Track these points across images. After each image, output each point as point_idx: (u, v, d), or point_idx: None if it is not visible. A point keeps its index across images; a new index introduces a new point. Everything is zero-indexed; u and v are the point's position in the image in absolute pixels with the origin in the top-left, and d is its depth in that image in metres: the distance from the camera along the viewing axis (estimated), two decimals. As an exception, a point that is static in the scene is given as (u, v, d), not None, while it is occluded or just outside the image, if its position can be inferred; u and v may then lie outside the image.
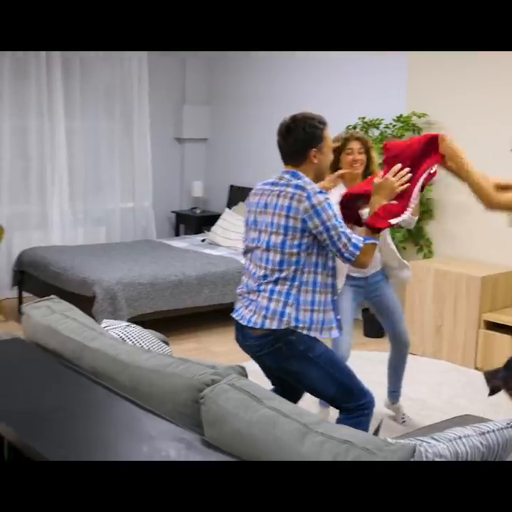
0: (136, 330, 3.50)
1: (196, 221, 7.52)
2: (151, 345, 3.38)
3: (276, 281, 2.93)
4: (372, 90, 6.16)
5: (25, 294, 6.24)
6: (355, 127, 5.83)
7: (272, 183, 3.01)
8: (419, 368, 5.15)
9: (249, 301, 3.02)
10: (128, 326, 3.53)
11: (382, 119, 5.80)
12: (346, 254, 2.91)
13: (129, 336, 3.38)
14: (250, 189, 7.02)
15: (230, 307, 5.90)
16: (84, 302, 5.24)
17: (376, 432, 3.13)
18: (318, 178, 3.04)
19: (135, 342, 3.34)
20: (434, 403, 4.51)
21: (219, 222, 6.89)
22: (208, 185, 7.83)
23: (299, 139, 2.96)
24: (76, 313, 3.08)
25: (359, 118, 5.88)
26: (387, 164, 3.19)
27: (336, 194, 3.52)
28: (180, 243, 6.71)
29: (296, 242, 2.90)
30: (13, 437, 2.19)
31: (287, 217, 2.90)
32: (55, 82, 6.74)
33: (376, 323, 5.86)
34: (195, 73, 7.69)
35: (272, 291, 2.94)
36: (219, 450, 2.08)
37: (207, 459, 2.02)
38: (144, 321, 5.30)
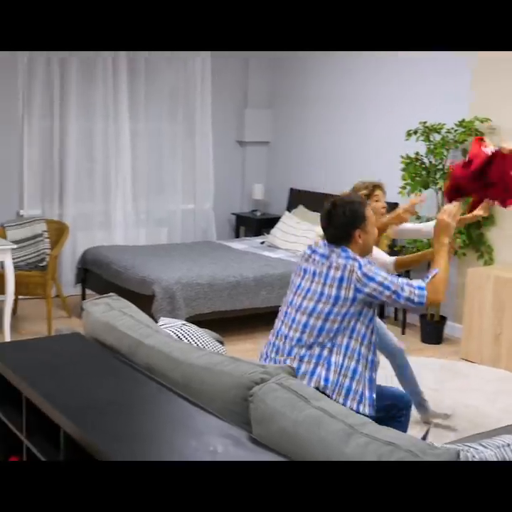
0: (191, 329, 3.58)
1: (256, 223, 7.58)
2: (206, 344, 3.45)
3: (310, 346, 2.95)
4: (435, 94, 6.12)
5: (88, 292, 6.41)
6: (416, 132, 5.80)
7: (323, 255, 3.03)
8: (477, 375, 5.10)
9: (275, 362, 3.03)
10: (184, 324, 3.61)
11: (443, 124, 5.76)
12: (417, 300, 2.91)
13: (185, 335, 3.45)
14: (311, 192, 7.14)
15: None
16: (144, 301, 5.36)
17: (424, 438, 3.13)
18: (363, 254, 3.06)
19: (190, 340, 3.42)
20: (489, 411, 4.46)
21: (278, 225, 6.94)
22: (269, 188, 7.89)
23: (341, 223, 3.01)
24: (133, 310, 3.17)
25: (420, 122, 5.85)
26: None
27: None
28: (240, 245, 6.79)
29: (343, 311, 2.94)
30: (69, 428, 2.28)
31: (339, 288, 2.93)
32: (120, 85, 6.91)
33: (434, 328, 5.84)
34: (257, 76, 7.76)
35: (303, 355, 2.96)
36: (265, 447, 2.12)
37: (252, 456, 2.07)
38: (202, 321, 5.38)
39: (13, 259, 5.75)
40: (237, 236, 7.79)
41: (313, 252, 3.08)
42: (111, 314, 3.10)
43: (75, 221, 6.87)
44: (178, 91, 7.32)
